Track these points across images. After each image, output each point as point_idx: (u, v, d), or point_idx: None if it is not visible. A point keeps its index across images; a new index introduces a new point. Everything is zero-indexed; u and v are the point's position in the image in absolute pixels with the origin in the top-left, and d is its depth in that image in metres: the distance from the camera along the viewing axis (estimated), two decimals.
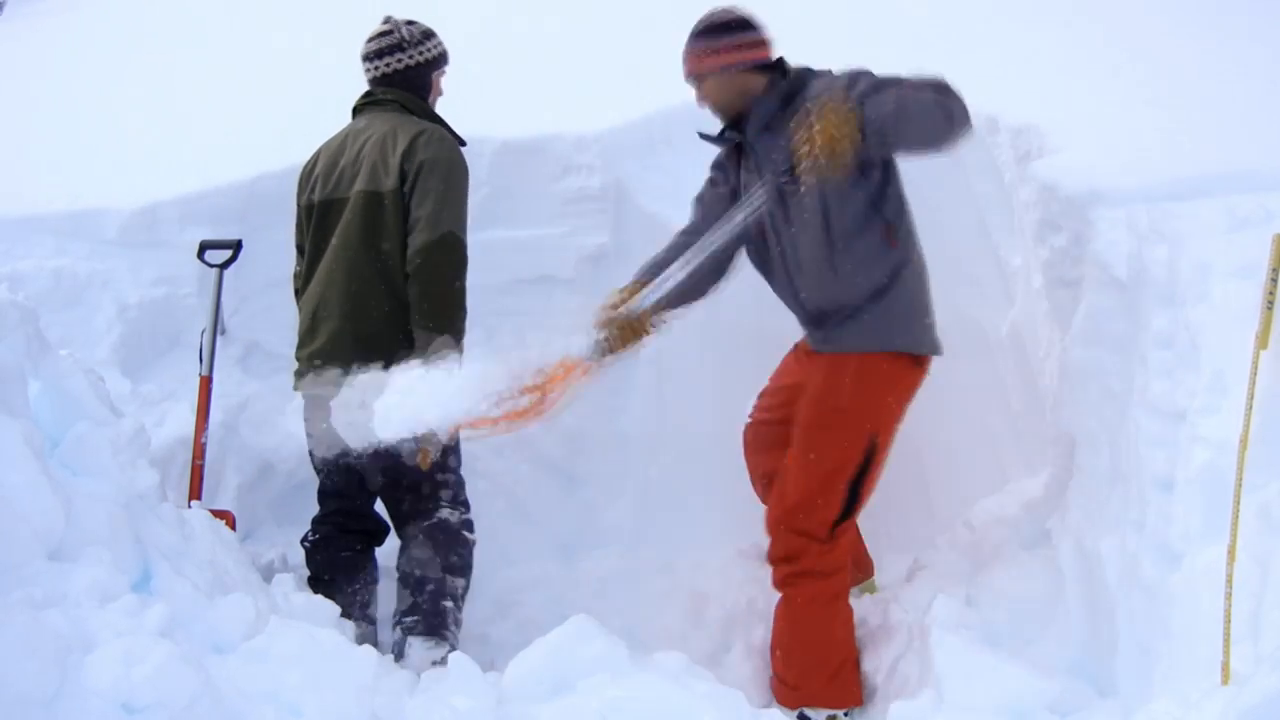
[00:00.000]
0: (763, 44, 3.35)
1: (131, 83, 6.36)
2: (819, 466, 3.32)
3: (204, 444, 3.67)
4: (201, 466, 3.64)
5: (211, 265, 3.99)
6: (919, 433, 4.12)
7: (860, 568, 3.89)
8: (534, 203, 4.56)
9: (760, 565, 3.95)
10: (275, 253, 4.24)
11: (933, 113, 2.92)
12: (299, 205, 3.62)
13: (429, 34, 3.61)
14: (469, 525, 3.55)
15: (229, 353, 4.08)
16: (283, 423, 4.20)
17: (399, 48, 3.55)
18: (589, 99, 4.89)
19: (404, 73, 3.56)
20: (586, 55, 5.63)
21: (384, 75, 3.57)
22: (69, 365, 2.80)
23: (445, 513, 3.47)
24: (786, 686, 3.45)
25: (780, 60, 3.38)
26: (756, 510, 3.80)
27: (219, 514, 3.43)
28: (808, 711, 3.42)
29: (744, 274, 4.25)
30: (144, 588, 2.44)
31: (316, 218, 3.52)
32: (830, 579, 3.40)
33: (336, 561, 3.56)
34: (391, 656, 3.32)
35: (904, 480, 4.06)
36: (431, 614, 3.35)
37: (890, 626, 3.59)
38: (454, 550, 3.46)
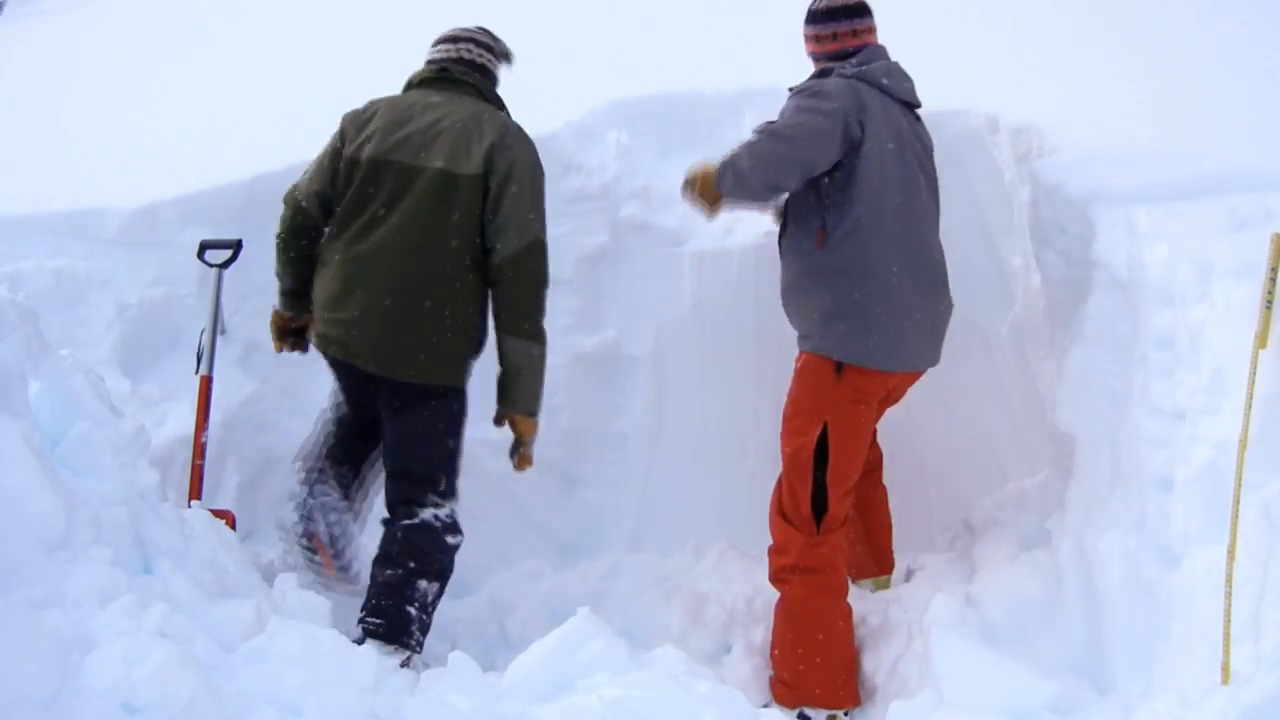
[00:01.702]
0: (838, 36, 3.45)
1: (132, 82, 6.37)
2: (786, 455, 3.47)
3: (204, 444, 3.66)
4: (201, 466, 3.64)
5: (211, 265, 3.99)
6: (919, 433, 4.13)
7: (879, 564, 3.91)
8: None
9: (759, 566, 3.95)
10: None
11: (725, 177, 3.40)
12: (340, 153, 3.43)
13: (496, 36, 3.67)
14: (454, 525, 3.41)
15: (229, 353, 4.07)
16: (283, 422, 4.20)
17: (489, 49, 3.58)
18: (589, 98, 4.89)
19: (485, 68, 3.57)
20: (587, 55, 5.63)
21: (466, 60, 3.53)
22: (69, 365, 2.80)
23: (430, 513, 3.36)
24: (784, 685, 3.45)
25: (858, 51, 3.45)
26: (756, 511, 3.80)
27: (219, 514, 3.43)
28: (807, 711, 3.42)
29: (743, 275, 4.26)
30: (144, 588, 2.44)
31: (365, 174, 3.35)
32: (819, 575, 3.42)
33: (342, 443, 3.60)
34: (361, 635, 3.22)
35: (904, 480, 4.06)
36: (394, 619, 3.21)
37: (890, 626, 3.59)
38: (432, 555, 3.34)
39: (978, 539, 3.77)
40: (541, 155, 4.55)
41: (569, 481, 4.59)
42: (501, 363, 3.39)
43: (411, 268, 3.27)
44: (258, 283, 4.25)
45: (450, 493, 3.45)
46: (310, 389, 4.09)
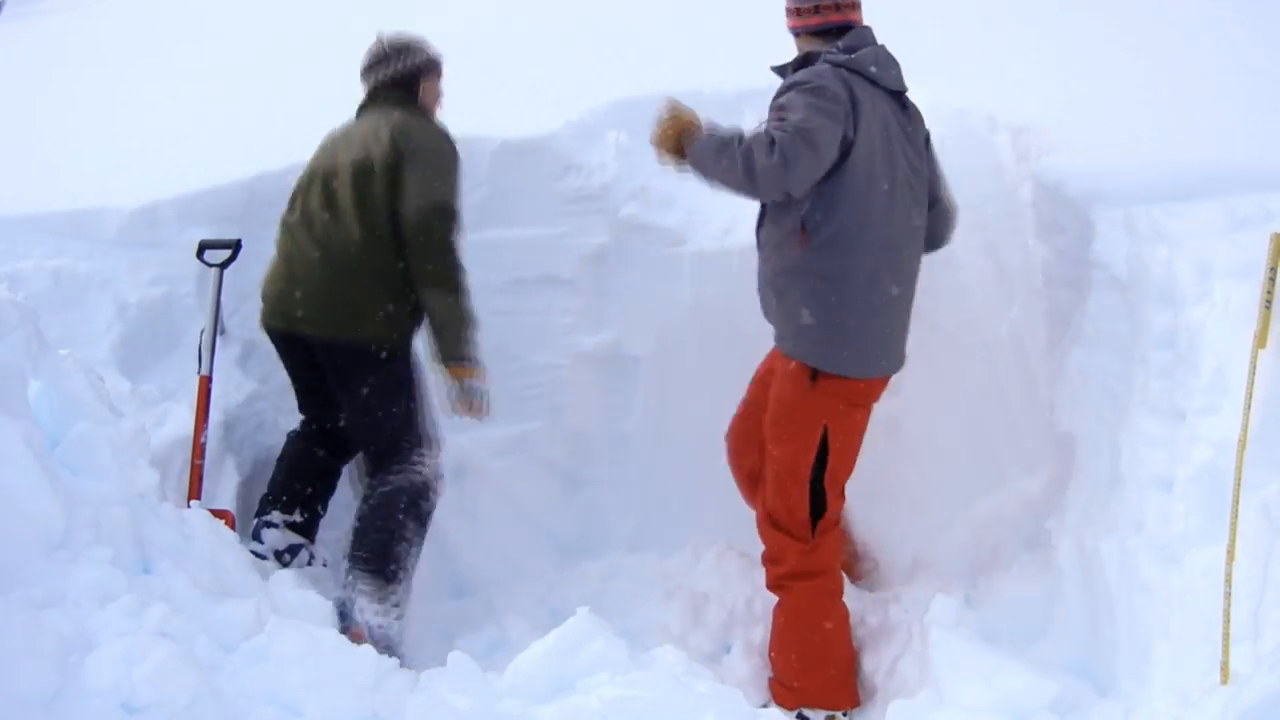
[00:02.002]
0: (820, 10, 3.31)
1: (131, 82, 6.36)
2: (779, 463, 3.38)
3: (204, 444, 3.67)
4: (201, 466, 3.64)
5: (211, 265, 3.99)
6: (919, 433, 4.12)
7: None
8: (534, 203, 4.56)
9: (759, 566, 3.95)
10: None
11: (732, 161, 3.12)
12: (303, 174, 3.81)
13: (411, 43, 3.82)
14: (426, 486, 3.62)
15: (229, 353, 4.07)
16: (282, 422, 4.20)
17: (384, 60, 3.79)
18: (589, 98, 4.89)
19: (396, 79, 3.77)
20: (587, 55, 5.63)
21: (378, 85, 3.79)
22: (69, 365, 2.80)
23: (403, 478, 3.59)
24: (784, 687, 3.45)
25: (844, 27, 3.30)
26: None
27: (219, 513, 3.43)
28: (806, 712, 3.42)
29: (743, 275, 4.25)
30: (144, 588, 2.44)
31: (304, 181, 3.74)
32: (817, 579, 3.40)
33: (300, 458, 3.86)
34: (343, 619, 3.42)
35: (904, 480, 4.06)
36: (380, 548, 3.51)
37: (890, 626, 3.59)
38: (411, 506, 3.59)
39: (978, 539, 3.77)
40: (541, 155, 4.60)
41: (570, 481, 4.59)
42: (427, 318, 3.59)
43: (336, 236, 3.58)
44: (258, 282, 4.25)
45: (416, 453, 3.64)
46: None
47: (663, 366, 4.55)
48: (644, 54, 5.48)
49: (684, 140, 3.21)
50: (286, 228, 3.73)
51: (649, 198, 4.57)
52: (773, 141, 3.03)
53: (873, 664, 3.53)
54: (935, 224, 3.48)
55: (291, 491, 3.81)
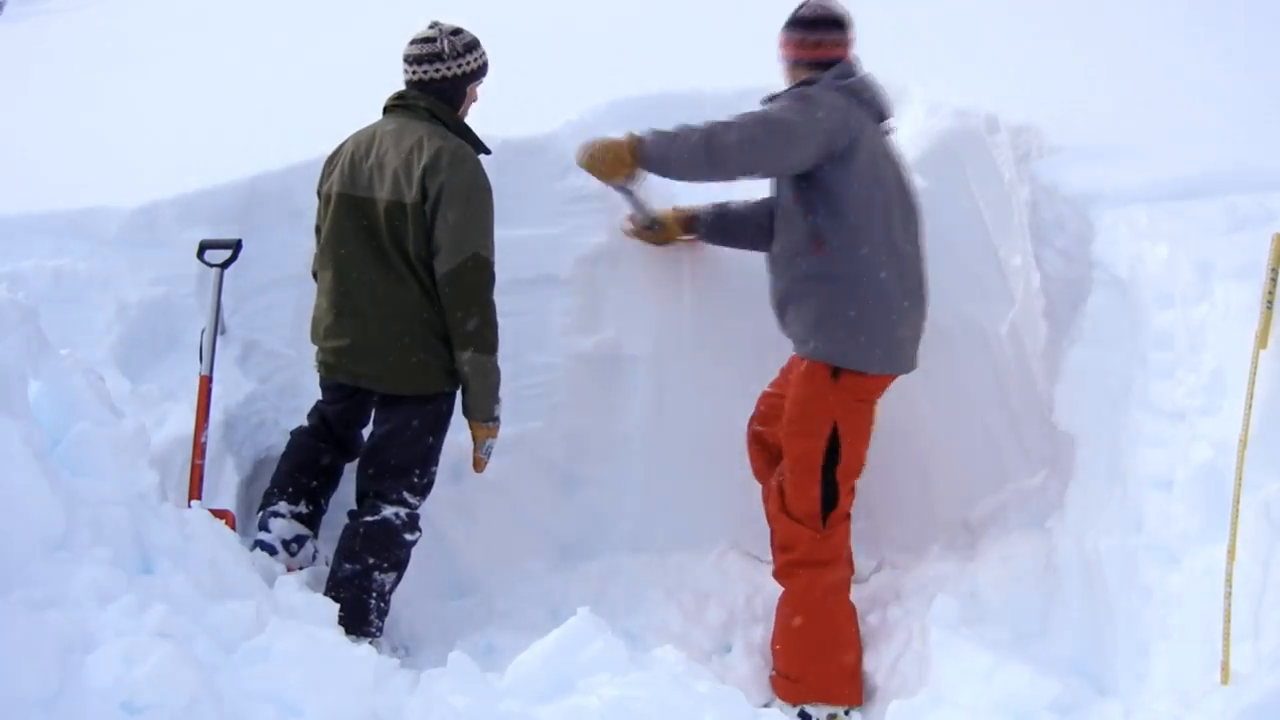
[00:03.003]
0: (823, 44, 3.50)
1: (131, 82, 6.36)
2: (795, 459, 3.52)
3: (204, 443, 3.67)
4: (201, 466, 3.64)
5: (211, 265, 3.99)
6: (919, 432, 4.12)
7: None
8: (534, 203, 4.56)
9: (759, 565, 3.95)
10: (275, 253, 4.24)
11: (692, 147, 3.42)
12: (318, 191, 3.71)
13: (471, 46, 3.64)
14: (414, 523, 3.65)
15: (229, 353, 4.07)
16: (283, 422, 4.20)
17: (438, 58, 3.57)
18: (589, 98, 4.89)
19: (440, 83, 3.59)
20: (587, 55, 5.63)
21: (420, 81, 3.61)
22: (69, 365, 2.80)
23: (391, 511, 3.59)
24: (788, 680, 3.45)
25: (834, 62, 3.50)
26: (756, 510, 3.80)
27: (219, 513, 3.43)
28: (808, 709, 3.42)
29: (743, 277, 4.26)
30: (144, 588, 2.44)
31: (334, 208, 3.59)
32: (827, 568, 3.47)
33: (305, 453, 3.86)
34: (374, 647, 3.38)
35: (904, 480, 4.06)
36: (355, 609, 3.48)
37: (890, 626, 3.59)
38: (390, 550, 3.60)
39: (978, 539, 3.77)
40: (541, 155, 4.59)
41: (569, 481, 4.58)
42: (459, 374, 3.61)
43: (379, 294, 3.54)
44: (258, 282, 4.25)
45: (421, 489, 3.69)
46: (310, 389, 4.09)
47: (661, 366, 4.55)
48: (644, 54, 5.48)
49: (631, 148, 3.49)
50: (332, 268, 3.60)
51: (648, 197, 4.56)
52: (740, 126, 3.37)
53: (873, 664, 3.53)
54: None
55: (297, 484, 3.81)
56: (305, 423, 3.94)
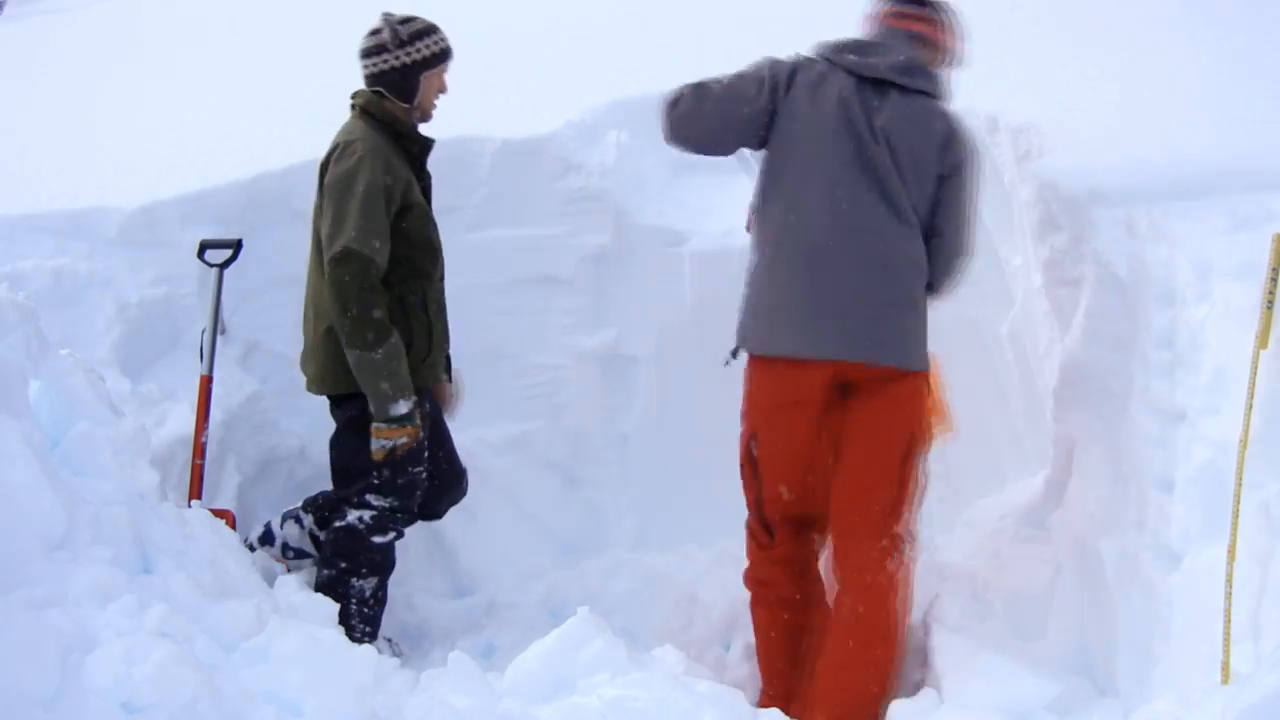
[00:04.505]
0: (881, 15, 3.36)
1: (131, 82, 6.36)
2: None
3: (204, 443, 3.67)
4: (201, 466, 3.64)
5: (211, 265, 3.99)
6: None
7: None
8: (534, 203, 4.57)
9: None
10: (275, 253, 4.24)
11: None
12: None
13: (422, 33, 3.49)
14: (382, 524, 3.54)
15: (229, 353, 4.07)
16: (283, 422, 4.21)
17: (384, 48, 3.46)
18: (589, 98, 4.89)
19: (389, 74, 3.47)
20: (587, 55, 5.63)
21: (369, 75, 3.52)
22: (69, 365, 2.80)
23: (355, 515, 3.53)
24: None
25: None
26: None
27: (219, 513, 3.43)
28: None
29: (742, 276, 4.25)
30: (144, 588, 2.44)
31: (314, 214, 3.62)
32: (762, 588, 3.37)
33: None
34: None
35: None
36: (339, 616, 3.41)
37: None
38: (360, 555, 3.55)
39: (978, 539, 3.77)
40: (541, 155, 4.59)
41: (570, 481, 4.59)
42: None
43: (308, 294, 3.56)
44: (258, 282, 4.26)
45: (388, 489, 3.54)
46: None
47: (663, 366, 4.56)
48: (644, 54, 5.48)
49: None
50: None
51: (649, 198, 4.57)
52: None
53: None
54: (932, 261, 3.23)
55: (331, 497, 3.71)
56: None
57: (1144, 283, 3.03)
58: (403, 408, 3.37)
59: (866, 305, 3.13)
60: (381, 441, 3.39)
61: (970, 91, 4.37)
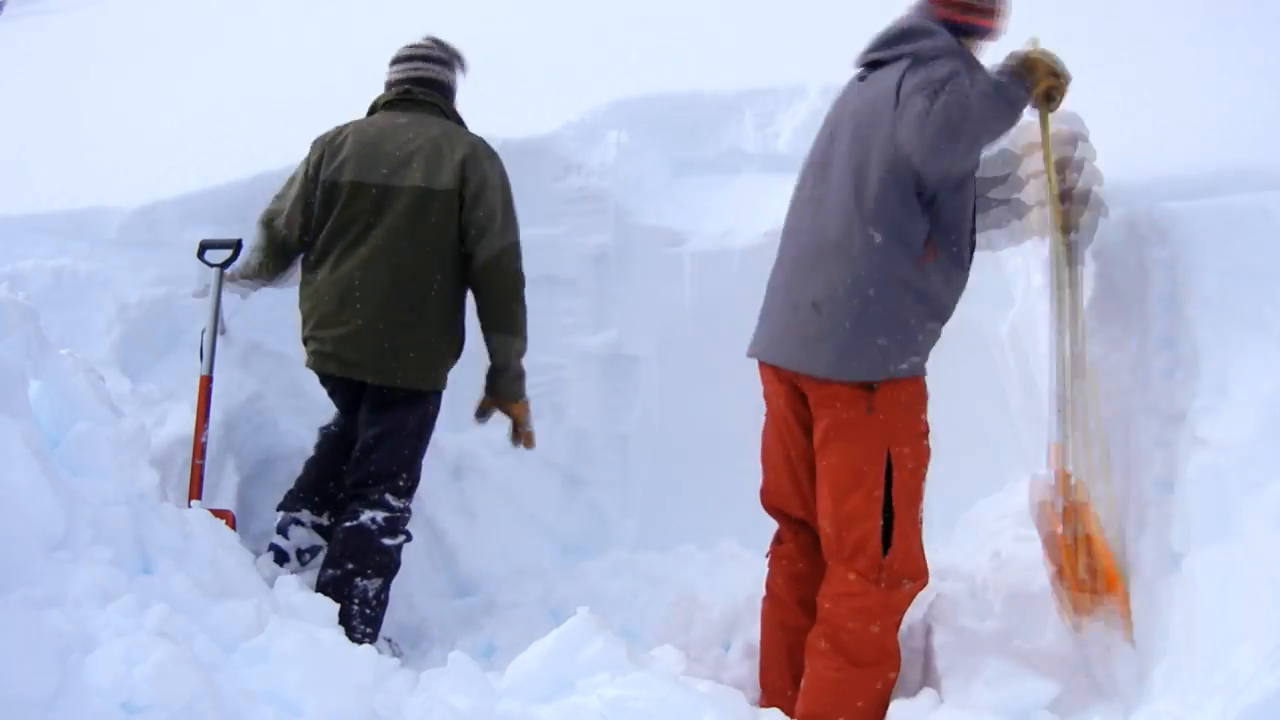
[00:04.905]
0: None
1: (132, 82, 6.37)
2: None
3: (204, 443, 3.67)
4: (201, 466, 3.64)
5: (211, 265, 3.99)
6: None
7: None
8: (534, 203, 4.56)
9: (759, 565, 3.94)
10: None
11: None
12: (319, 179, 3.62)
13: (458, 54, 3.82)
14: (394, 527, 3.61)
15: (229, 353, 4.07)
16: (283, 422, 4.20)
17: (443, 62, 3.76)
18: (589, 98, 4.89)
19: (441, 84, 3.75)
20: (587, 55, 5.63)
21: (423, 78, 3.71)
22: (69, 365, 2.80)
23: (368, 516, 3.57)
24: None
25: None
26: (756, 510, 3.79)
27: (219, 513, 3.43)
28: None
29: (743, 275, 4.26)
30: (144, 588, 2.44)
31: (346, 196, 3.57)
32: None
33: (336, 457, 3.82)
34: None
35: None
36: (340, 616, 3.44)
37: None
38: (369, 556, 3.57)
39: (978, 539, 3.77)
40: (541, 155, 4.60)
41: (571, 481, 4.59)
42: (491, 357, 3.67)
43: (397, 280, 3.52)
44: None
45: (406, 491, 3.65)
46: (310, 389, 4.09)
47: (663, 366, 4.56)
48: (644, 54, 5.48)
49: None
50: (336, 255, 3.56)
51: (649, 197, 4.57)
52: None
53: None
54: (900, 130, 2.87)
55: (324, 493, 3.79)
56: (331, 424, 3.90)
57: (1144, 283, 3.03)
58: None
59: (791, 307, 3.05)
60: (526, 417, 3.76)
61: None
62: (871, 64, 3.11)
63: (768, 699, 3.26)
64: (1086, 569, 2.85)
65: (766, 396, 3.29)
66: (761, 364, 3.24)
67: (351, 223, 3.56)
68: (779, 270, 3.20)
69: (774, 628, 3.33)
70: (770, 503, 3.37)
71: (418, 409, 3.62)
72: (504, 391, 3.70)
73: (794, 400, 3.15)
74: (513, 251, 3.61)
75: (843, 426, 2.99)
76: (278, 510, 3.82)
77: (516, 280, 3.63)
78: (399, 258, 3.50)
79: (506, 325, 3.63)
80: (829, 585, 3.06)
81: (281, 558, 3.72)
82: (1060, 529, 2.91)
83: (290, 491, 3.84)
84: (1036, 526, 3.07)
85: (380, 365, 3.53)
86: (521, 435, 3.81)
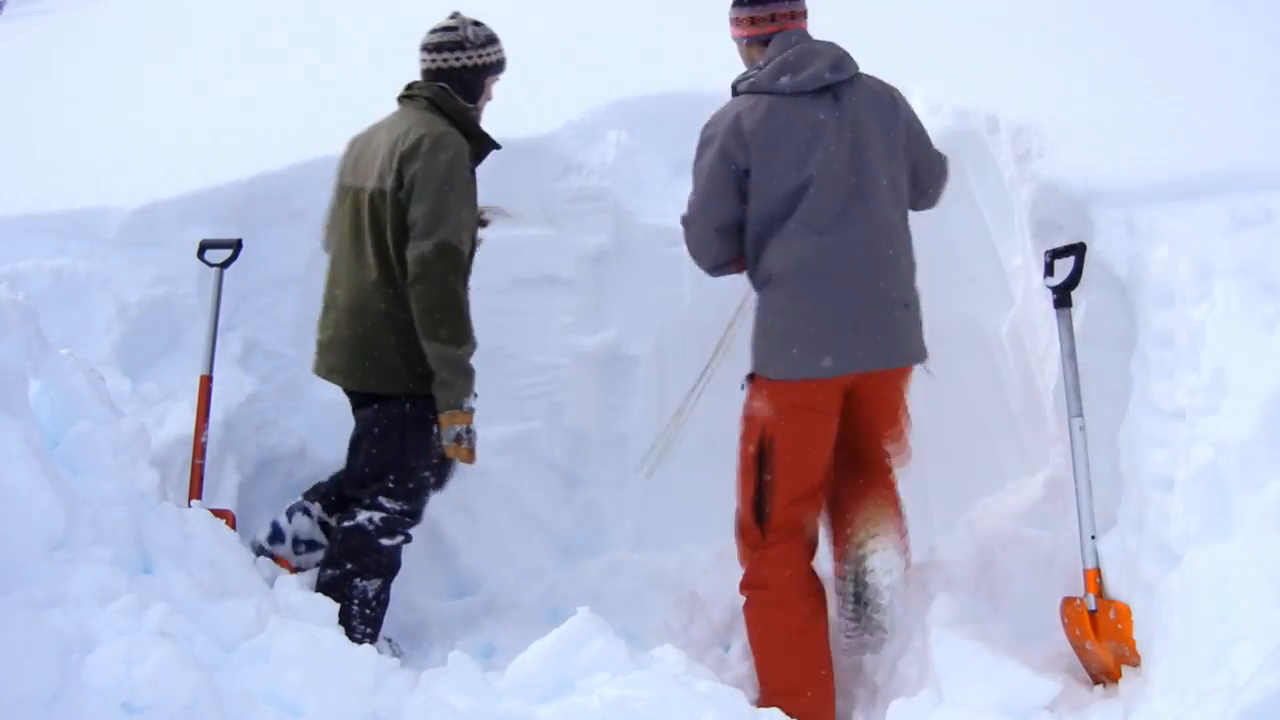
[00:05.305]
0: (756, 21, 3.33)
1: (131, 82, 6.36)
2: (738, 463, 3.50)
3: (204, 443, 3.67)
4: (201, 466, 3.64)
5: (211, 265, 3.99)
6: (918, 432, 4.11)
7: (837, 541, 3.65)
8: (534, 203, 4.56)
9: None
10: (275, 253, 4.25)
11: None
12: (336, 184, 3.72)
13: (492, 39, 3.63)
14: (391, 527, 3.59)
15: (229, 352, 4.07)
16: (283, 422, 4.20)
17: (459, 46, 3.56)
18: (589, 98, 4.89)
19: (459, 72, 3.57)
20: (587, 55, 5.63)
21: (436, 70, 3.58)
22: (69, 365, 2.80)
23: (365, 516, 3.57)
24: (760, 703, 3.36)
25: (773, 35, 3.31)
26: None
27: (219, 513, 3.43)
28: None
29: (742, 277, 4.26)
30: (144, 588, 2.44)
31: (336, 202, 3.66)
32: (763, 591, 3.40)
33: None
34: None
35: (904, 480, 4.05)
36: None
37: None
38: (367, 556, 3.56)
39: (978, 539, 3.77)
40: (541, 155, 4.59)
41: (570, 481, 4.59)
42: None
43: (362, 284, 3.50)
44: (258, 282, 4.26)
45: (404, 493, 3.59)
46: (310, 389, 4.10)
47: (662, 366, 4.55)
48: (644, 54, 5.48)
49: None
50: (329, 260, 3.66)
51: (649, 197, 4.57)
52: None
53: (873, 664, 3.53)
54: (918, 183, 3.46)
55: (341, 494, 3.74)
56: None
57: (1144, 282, 3.03)
58: (473, 400, 3.50)
59: (887, 311, 3.30)
60: (456, 428, 3.46)
61: (970, 91, 4.38)
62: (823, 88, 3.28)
63: (766, 678, 3.39)
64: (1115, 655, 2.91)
65: (811, 408, 3.29)
66: (820, 380, 3.25)
67: (337, 224, 3.63)
68: (831, 285, 3.23)
69: (782, 627, 3.36)
70: (794, 512, 3.35)
71: (392, 412, 3.56)
72: (441, 400, 3.46)
73: (841, 398, 3.35)
74: (437, 252, 3.34)
75: (902, 394, 3.51)
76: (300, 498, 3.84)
77: (439, 284, 3.36)
78: (360, 261, 3.51)
79: (428, 331, 3.38)
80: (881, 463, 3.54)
81: (276, 536, 3.72)
82: (1091, 643, 2.95)
83: (315, 485, 3.86)
84: (1069, 639, 3.08)
85: (351, 370, 3.57)
86: (456, 448, 3.50)
